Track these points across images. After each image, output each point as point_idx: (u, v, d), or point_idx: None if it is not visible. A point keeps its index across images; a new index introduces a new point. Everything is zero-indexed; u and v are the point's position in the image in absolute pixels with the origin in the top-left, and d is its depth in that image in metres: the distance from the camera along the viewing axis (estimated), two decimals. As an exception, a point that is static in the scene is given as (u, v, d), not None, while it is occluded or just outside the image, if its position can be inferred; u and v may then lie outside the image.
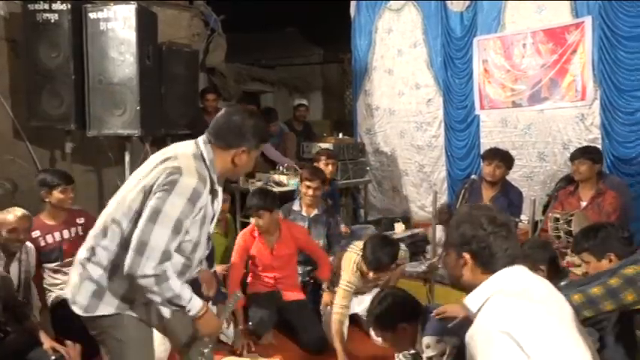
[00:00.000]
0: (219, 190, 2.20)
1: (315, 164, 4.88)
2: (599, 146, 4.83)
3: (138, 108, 4.08)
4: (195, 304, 2.04)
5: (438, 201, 4.23)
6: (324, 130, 7.22)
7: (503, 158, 4.53)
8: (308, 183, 4.21)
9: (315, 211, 4.32)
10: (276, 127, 6.14)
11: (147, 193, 2.00)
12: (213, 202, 2.13)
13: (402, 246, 4.24)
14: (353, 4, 6.72)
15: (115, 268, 2.02)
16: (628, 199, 4.57)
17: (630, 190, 4.64)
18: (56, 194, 3.45)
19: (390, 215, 6.14)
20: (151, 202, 1.95)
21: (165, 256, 1.93)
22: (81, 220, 3.62)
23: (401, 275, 3.97)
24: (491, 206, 2.14)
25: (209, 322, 2.13)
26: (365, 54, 6.64)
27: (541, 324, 1.52)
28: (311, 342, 3.59)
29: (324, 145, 5.86)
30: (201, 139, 2.13)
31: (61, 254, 3.50)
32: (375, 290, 3.50)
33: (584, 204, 4.16)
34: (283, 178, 5.36)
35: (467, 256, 1.68)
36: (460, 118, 5.91)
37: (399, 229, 4.83)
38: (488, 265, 1.66)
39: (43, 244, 3.46)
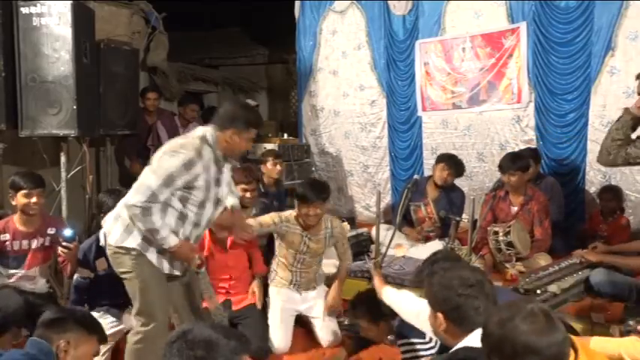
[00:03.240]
0: (226, 164, 2.77)
1: (262, 166, 4.84)
2: (534, 147, 5.05)
3: (74, 107, 3.92)
4: (170, 240, 2.55)
5: (382, 201, 4.29)
6: (270, 131, 7.19)
7: (457, 168, 4.68)
8: (244, 186, 4.05)
9: (253, 211, 4.24)
10: None
11: None
12: (221, 170, 2.70)
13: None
14: (297, 5, 6.72)
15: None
16: (561, 198, 4.80)
17: (563, 188, 4.87)
18: (20, 198, 3.21)
19: (336, 215, 6.18)
20: (154, 159, 2.57)
21: (153, 198, 2.48)
22: (52, 231, 3.35)
23: (346, 275, 3.99)
24: (466, 265, 2.26)
25: (182, 252, 2.63)
26: (310, 55, 6.66)
27: None
28: (253, 351, 3.52)
29: (269, 146, 5.84)
30: (211, 125, 2.68)
31: (23, 263, 3.26)
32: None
33: (515, 209, 4.32)
34: (228, 179, 5.29)
35: (440, 316, 1.76)
36: (403, 120, 6.02)
37: (344, 229, 4.85)
38: (462, 324, 1.72)
39: (9, 248, 3.24)
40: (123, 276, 2.67)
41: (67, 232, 3.11)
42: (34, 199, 3.22)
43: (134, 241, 2.60)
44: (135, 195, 2.52)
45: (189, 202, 2.62)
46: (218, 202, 2.77)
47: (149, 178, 2.52)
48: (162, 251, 2.62)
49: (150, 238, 2.59)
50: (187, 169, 2.53)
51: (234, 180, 4.15)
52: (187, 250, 2.68)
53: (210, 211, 2.74)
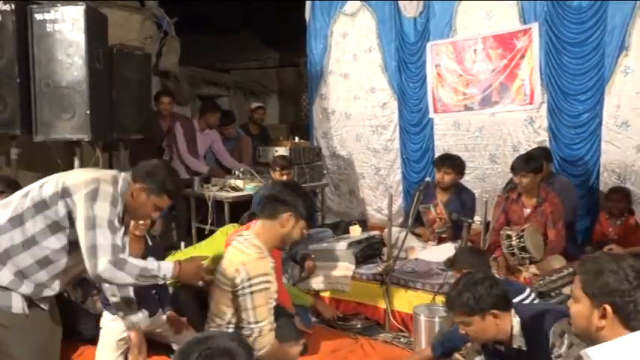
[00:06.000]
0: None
1: (271, 172, 4.85)
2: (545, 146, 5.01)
3: (87, 112, 3.97)
4: (165, 268, 2.25)
5: (393, 203, 4.28)
6: (281, 134, 7.20)
7: (452, 164, 4.62)
8: (283, 171, 4.55)
9: None
10: (233, 130, 6.10)
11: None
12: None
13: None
14: (308, 8, 6.73)
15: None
16: (574, 199, 4.75)
17: (577, 190, 4.83)
18: None
19: (348, 218, 6.17)
20: (79, 214, 2.15)
21: (116, 249, 2.16)
22: None
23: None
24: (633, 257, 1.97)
25: (187, 272, 2.31)
26: (320, 58, 6.66)
27: None
28: None
29: (280, 149, 5.85)
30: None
31: None
32: None
33: (527, 211, 4.28)
34: (239, 183, 5.31)
35: (608, 308, 1.57)
36: (414, 122, 6.00)
37: (356, 231, 4.85)
38: (630, 321, 1.55)
39: None
40: None
41: None
42: None
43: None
44: (95, 261, 2.15)
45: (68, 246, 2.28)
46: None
47: (93, 236, 2.15)
48: None
49: (130, 300, 2.35)
50: (115, 206, 2.23)
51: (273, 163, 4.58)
52: (193, 268, 2.37)
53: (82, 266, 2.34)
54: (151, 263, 2.26)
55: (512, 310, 2.32)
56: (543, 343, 2.22)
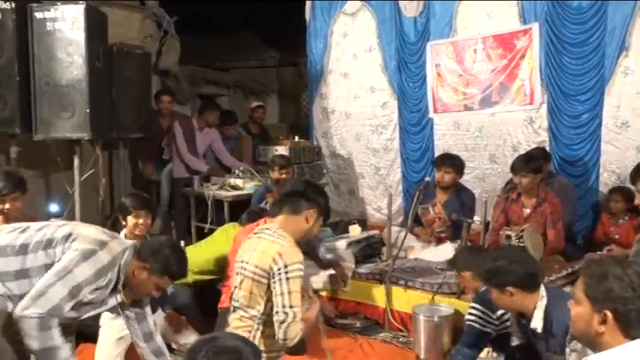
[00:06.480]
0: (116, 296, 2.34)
1: (270, 171, 4.85)
2: (547, 148, 5.01)
3: (87, 111, 3.97)
4: None
5: (393, 203, 4.29)
6: (280, 133, 7.20)
7: (452, 164, 4.64)
8: (281, 170, 4.61)
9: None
10: (234, 130, 6.09)
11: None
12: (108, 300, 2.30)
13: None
14: (308, 8, 6.72)
15: None
16: (573, 199, 4.75)
17: (576, 190, 4.83)
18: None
19: (347, 218, 6.17)
20: (64, 259, 2.14)
21: (55, 311, 2.11)
22: None
23: (345, 270, 4.05)
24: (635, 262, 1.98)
25: None
26: (320, 57, 6.66)
27: None
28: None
29: (280, 149, 5.85)
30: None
31: None
32: None
33: (527, 211, 4.28)
34: (239, 182, 5.32)
35: (609, 314, 1.53)
36: (414, 122, 6.00)
37: (355, 231, 4.86)
38: (630, 329, 1.52)
39: None
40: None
41: (54, 207, 3.10)
42: (7, 205, 3.03)
43: None
44: (31, 303, 2.09)
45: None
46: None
47: (53, 285, 2.12)
48: None
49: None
50: (97, 277, 2.19)
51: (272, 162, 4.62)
52: None
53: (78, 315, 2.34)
54: (65, 351, 2.17)
55: (542, 291, 2.39)
56: (560, 332, 2.28)
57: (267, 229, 2.35)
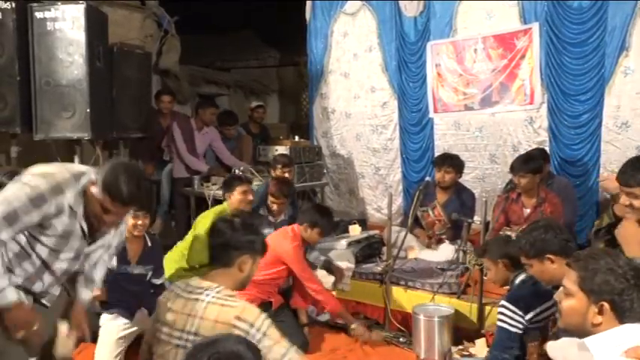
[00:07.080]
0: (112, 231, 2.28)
1: (272, 170, 4.85)
2: (547, 148, 5.01)
3: (88, 111, 3.97)
4: (8, 294, 2.00)
5: (393, 203, 4.29)
6: (281, 133, 7.21)
7: (452, 164, 4.64)
8: (272, 199, 4.30)
9: (282, 217, 4.38)
10: (234, 130, 6.09)
11: None
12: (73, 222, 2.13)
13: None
14: (308, 8, 6.72)
15: None
16: (573, 200, 4.75)
17: (576, 190, 4.83)
18: None
19: (347, 217, 6.17)
20: (7, 186, 2.02)
21: None
22: None
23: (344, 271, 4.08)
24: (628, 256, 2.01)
25: (19, 316, 2.05)
26: (321, 57, 6.66)
27: None
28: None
29: (280, 148, 5.85)
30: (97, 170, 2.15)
31: None
32: None
33: (527, 211, 4.28)
34: (239, 182, 5.31)
35: (606, 305, 1.60)
36: (414, 121, 6.00)
37: (355, 231, 4.86)
38: (624, 317, 1.60)
39: None
40: None
41: None
42: None
43: None
44: None
45: (36, 245, 2.11)
46: (78, 257, 2.26)
47: None
48: None
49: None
50: (35, 205, 1.99)
51: (271, 190, 4.32)
52: (27, 316, 2.08)
53: (65, 265, 2.23)
54: (3, 279, 2.00)
55: None
56: None
57: (206, 289, 2.09)
